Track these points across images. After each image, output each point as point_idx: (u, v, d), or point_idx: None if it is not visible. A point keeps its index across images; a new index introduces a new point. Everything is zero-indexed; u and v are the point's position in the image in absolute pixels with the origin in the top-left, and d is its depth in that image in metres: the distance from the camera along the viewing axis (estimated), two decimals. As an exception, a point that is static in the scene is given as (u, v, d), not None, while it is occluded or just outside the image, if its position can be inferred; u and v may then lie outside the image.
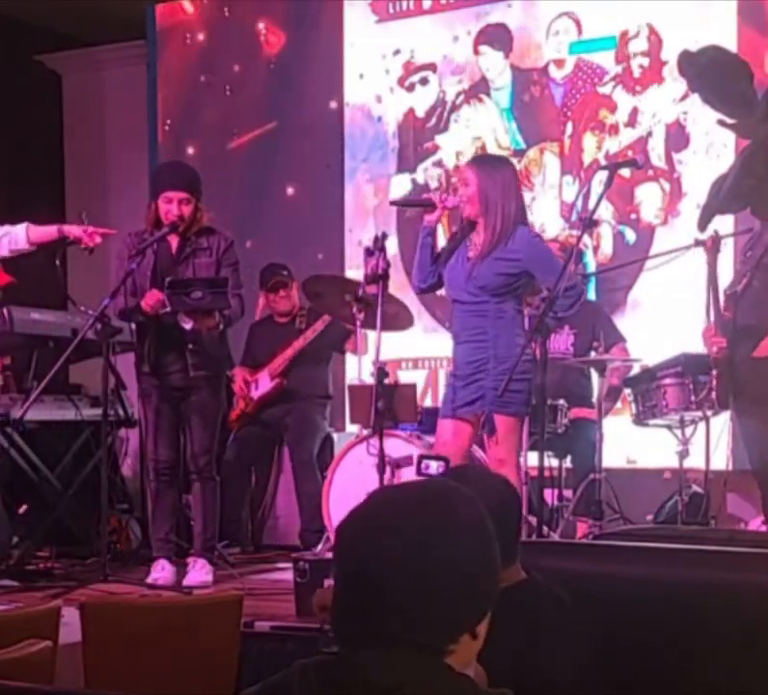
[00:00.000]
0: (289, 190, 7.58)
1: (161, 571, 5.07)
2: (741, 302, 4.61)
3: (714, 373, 4.77)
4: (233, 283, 5.11)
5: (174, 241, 5.16)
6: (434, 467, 3.84)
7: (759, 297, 4.57)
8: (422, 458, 3.97)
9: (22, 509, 5.88)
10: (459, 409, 4.61)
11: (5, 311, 5.82)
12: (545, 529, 5.12)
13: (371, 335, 5.23)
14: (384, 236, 5.06)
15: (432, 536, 1.44)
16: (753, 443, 4.65)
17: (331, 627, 1.48)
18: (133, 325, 5.19)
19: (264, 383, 6.35)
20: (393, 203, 6.10)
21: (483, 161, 4.87)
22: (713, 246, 4.66)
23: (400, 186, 7.21)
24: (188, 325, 5.04)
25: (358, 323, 5.52)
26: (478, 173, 4.60)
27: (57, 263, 5.39)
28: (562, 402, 5.58)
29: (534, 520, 4.83)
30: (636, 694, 2.55)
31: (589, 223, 4.77)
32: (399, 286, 6.02)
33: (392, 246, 6.38)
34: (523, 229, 4.65)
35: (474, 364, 4.58)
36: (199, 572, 5.09)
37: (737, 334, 4.59)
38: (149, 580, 5.01)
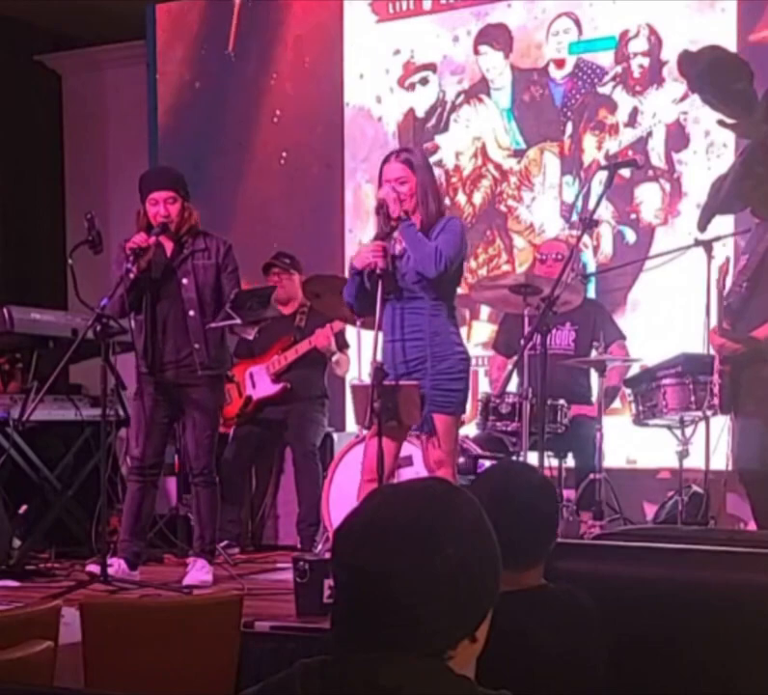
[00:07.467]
0: (289, 190, 7.58)
1: (115, 568, 5.00)
2: (742, 312, 4.64)
3: (716, 377, 4.77)
4: (230, 288, 5.13)
5: (168, 245, 5.15)
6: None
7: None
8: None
9: (22, 509, 5.88)
10: None
11: (5, 311, 5.81)
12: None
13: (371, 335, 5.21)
14: None
15: (438, 537, 1.43)
16: (747, 444, 4.66)
17: (331, 629, 1.47)
18: (132, 324, 5.17)
19: (265, 384, 6.32)
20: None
21: (412, 155, 4.64)
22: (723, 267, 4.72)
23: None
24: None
25: (358, 323, 5.53)
26: (413, 167, 4.50)
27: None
28: (562, 401, 5.58)
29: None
30: (635, 694, 2.55)
31: (589, 223, 4.77)
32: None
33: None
34: (452, 219, 4.60)
35: (410, 363, 4.48)
36: (199, 572, 5.09)
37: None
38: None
